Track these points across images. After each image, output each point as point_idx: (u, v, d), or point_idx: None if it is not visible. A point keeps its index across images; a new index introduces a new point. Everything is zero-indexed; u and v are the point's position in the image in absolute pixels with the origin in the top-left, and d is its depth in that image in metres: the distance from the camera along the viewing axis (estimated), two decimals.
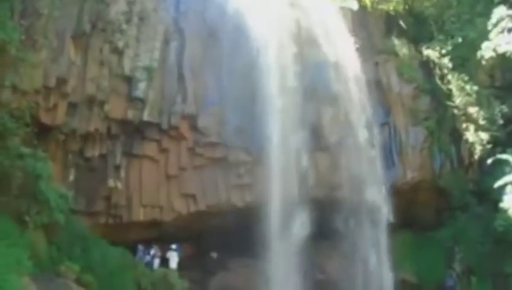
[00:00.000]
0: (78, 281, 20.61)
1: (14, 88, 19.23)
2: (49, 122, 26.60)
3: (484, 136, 33.03)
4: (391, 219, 32.02)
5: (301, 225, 29.19)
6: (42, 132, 24.30)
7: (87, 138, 28.83)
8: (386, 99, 34.83)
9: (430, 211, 36.05)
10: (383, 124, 34.40)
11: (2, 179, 16.06)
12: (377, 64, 35.19)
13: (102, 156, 29.54)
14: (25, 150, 17.58)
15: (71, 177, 28.52)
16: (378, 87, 34.50)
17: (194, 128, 31.13)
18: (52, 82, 26.21)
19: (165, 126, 30.44)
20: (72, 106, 27.77)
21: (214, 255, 34.79)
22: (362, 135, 32.53)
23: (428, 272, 34.45)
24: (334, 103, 32.57)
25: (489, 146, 33.19)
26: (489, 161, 32.26)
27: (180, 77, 30.96)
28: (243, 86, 31.42)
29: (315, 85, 32.50)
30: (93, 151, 29.14)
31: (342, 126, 32.46)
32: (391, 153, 34.15)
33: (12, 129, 16.46)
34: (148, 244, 32.64)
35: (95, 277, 23.57)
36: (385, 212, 31.81)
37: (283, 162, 30.24)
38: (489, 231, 33.33)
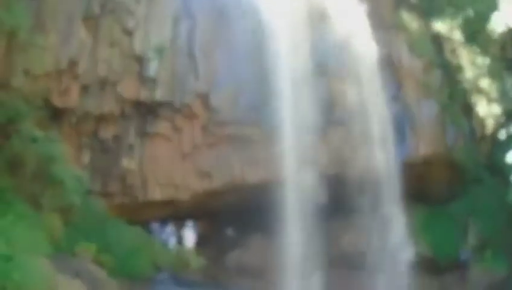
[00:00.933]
0: (95, 261, 20.79)
1: (26, 72, 19.27)
2: (61, 105, 26.65)
3: (496, 109, 32.86)
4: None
5: (315, 201, 29.14)
6: (55, 115, 24.43)
7: (101, 119, 28.92)
8: (396, 74, 34.54)
9: (443, 185, 35.97)
10: (394, 99, 34.26)
11: (16, 162, 16.17)
12: (387, 39, 34.97)
13: (116, 137, 29.65)
14: (38, 133, 17.64)
15: (85, 159, 28.66)
16: (388, 62, 34.26)
17: (206, 106, 31.15)
18: (63, 65, 26.22)
19: (177, 105, 30.46)
20: (84, 88, 27.78)
21: (230, 232, 34.97)
22: (374, 109, 32.47)
23: (443, 245, 34.44)
24: (345, 79, 32.53)
25: (501, 119, 33.04)
26: (502, 134, 32.13)
27: (192, 56, 30.94)
28: (255, 64, 31.42)
29: (326, 61, 32.48)
30: (107, 133, 29.26)
31: (354, 101, 32.41)
32: (403, 127, 33.98)
33: (24, 113, 16.54)
34: (163, 223, 32.87)
35: (111, 257, 23.73)
36: (399, 186, 31.76)
37: (295, 139, 30.22)
38: (503, 205, 33.29)
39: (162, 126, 30.58)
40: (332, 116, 32.28)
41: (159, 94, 29.90)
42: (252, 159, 31.89)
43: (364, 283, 29.24)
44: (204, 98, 31.02)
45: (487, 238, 34.28)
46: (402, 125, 33.94)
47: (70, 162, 21.24)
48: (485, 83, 33.24)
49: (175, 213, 32.39)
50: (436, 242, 34.53)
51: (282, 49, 30.98)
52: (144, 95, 29.69)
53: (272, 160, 31.03)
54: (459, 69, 34.23)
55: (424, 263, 32.95)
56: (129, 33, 29.48)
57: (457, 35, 34.07)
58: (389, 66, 34.26)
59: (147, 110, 30.09)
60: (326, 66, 32.32)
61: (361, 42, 32.88)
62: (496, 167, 34.62)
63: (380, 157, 31.82)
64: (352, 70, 32.52)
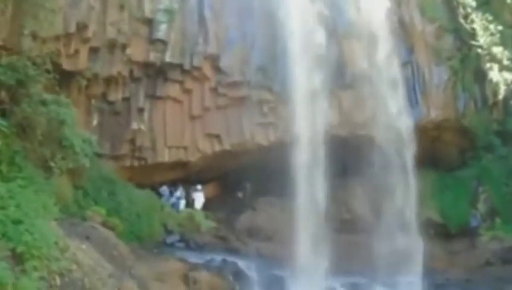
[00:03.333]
0: (105, 224, 20.81)
1: (34, 35, 19.13)
2: (71, 68, 26.56)
3: (508, 76, 32.58)
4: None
5: (326, 164, 29.08)
6: (64, 78, 24.24)
7: (110, 82, 28.87)
8: (408, 38, 34.36)
9: (454, 151, 35.98)
10: (406, 63, 34.05)
11: (25, 126, 16.15)
12: (399, 2, 34.64)
13: (126, 100, 29.65)
14: (48, 96, 17.57)
15: (95, 122, 28.71)
16: (401, 26, 34.05)
17: (216, 68, 31.13)
18: (72, 28, 26.02)
19: (187, 67, 30.40)
20: (94, 51, 27.65)
21: (240, 194, 35.03)
22: (385, 72, 32.30)
23: (453, 211, 34.50)
24: (356, 41, 32.35)
25: None
26: None
27: (201, 18, 30.80)
28: (265, 25, 31.30)
29: (336, 22, 32.29)
30: (116, 95, 29.23)
31: (365, 64, 32.24)
32: (414, 91, 33.91)
33: (34, 77, 16.43)
34: (173, 185, 32.94)
35: (121, 220, 23.86)
36: (410, 151, 31.66)
37: (306, 100, 30.11)
38: None
39: (171, 89, 30.55)
40: (343, 79, 32.18)
41: (169, 56, 29.80)
42: (262, 121, 31.93)
43: (373, 247, 29.23)
44: (214, 60, 30.95)
45: (497, 206, 34.27)
46: (413, 89, 33.82)
47: (80, 125, 21.21)
48: (497, 49, 32.92)
49: (185, 176, 32.48)
50: (446, 208, 34.60)
51: (293, 11, 30.73)
52: (153, 57, 29.59)
53: (282, 122, 31.04)
54: (472, 34, 33.90)
55: (433, 228, 33.06)
56: None
57: (470, 1, 33.70)
58: (401, 30, 34.03)
59: (156, 73, 30.02)
60: (337, 27, 32.10)
61: (373, 4, 32.61)
62: (508, 134, 34.48)
63: (391, 121, 31.66)
64: (364, 33, 32.30)
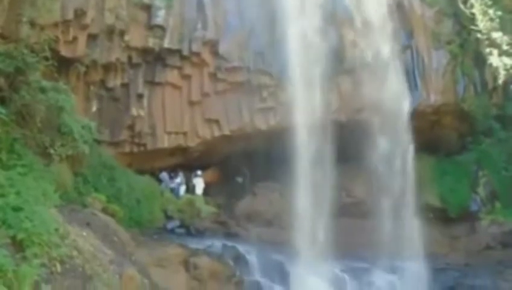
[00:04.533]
0: (105, 211, 20.84)
1: (32, 23, 19.07)
2: (69, 54, 26.49)
3: (508, 61, 32.51)
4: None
5: (325, 148, 29.11)
6: (63, 65, 24.26)
7: (109, 68, 28.80)
8: (408, 23, 34.25)
9: (453, 135, 36.04)
10: (405, 47, 34.02)
11: (25, 113, 16.12)
12: None
13: (124, 86, 29.60)
14: (47, 83, 17.54)
15: (94, 108, 28.68)
16: (400, 10, 33.96)
17: (215, 53, 31.07)
18: (70, 14, 25.92)
19: (186, 53, 30.35)
20: (92, 37, 27.56)
21: (240, 180, 35.08)
22: (384, 57, 32.28)
23: (452, 196, 34.62)
24: (355, 26, 32.32)
25: None
26: None
27: (200, 3, 30.72)
28: (263, 10, 31.26)
29: (335, 8, 32.23)
30: (115, 81, 29.16)
31: (364, 49, 32.22)
32: (414, 76, 33.88)
33: (32, 64, 16.39)
34: (173, 171, 33.00)
35: (121, 206, 23.95)
36: (409, 135, 31.70)
37: (306, 85, 30.10)
38: None
39: (170, 75, 30.54)
40: (342, 64, 32.16)
41: (167, 42, 29.76)
42: (261, 106, 31.93)
43: (373, 231, 29.32)
44: (213, 45, 30.91)
45: (497, 190, 34.36)
46: (412, 74, 33.80)
47: (79, 112, 21.22)
48: (497, 34, 32.86)
49: (184, 162, 32.54)
50: (445, 193, 34.72)
51: None
52: (151, 43, 29.55)
53: (282, 107, 31.05)
54: (471, 19, 33.80)
55: (433, 213, 33.17)
56: None
57: None
58: (401, 15, 33.94)
59: (155, 59, 29.99)
60: (336, 13, 32.05)
61: None
62: (508, 119, 34.54)
63: (390, 106, 31.66)
64: (363, 18, 32.27)
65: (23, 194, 13.16)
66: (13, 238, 11.77)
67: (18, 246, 11.73)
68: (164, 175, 32.77)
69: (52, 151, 17.26)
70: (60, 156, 17.77)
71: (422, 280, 28.23)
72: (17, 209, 12.46)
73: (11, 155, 15.31)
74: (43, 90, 17.27)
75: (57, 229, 13.16)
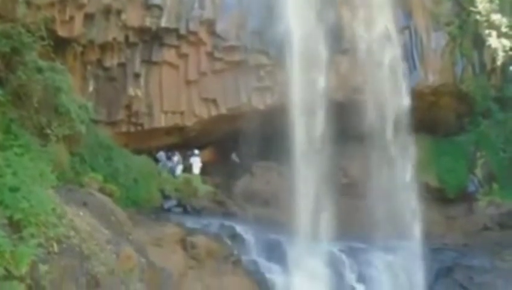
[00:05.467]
0: (102, 191, 20.81)
1: (29, 2, 19.00)
2: (66, 34, 26.47)
3: (507, 42, 32.56)
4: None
5: (322, 127, 29.09)
6: (59, 45, 24.17)
7: (105, 47, 28.76)
8: (407, 3, 34.08)
9: (451, 116, 36.06)
10: (404, 28, 33.90)
11: (21, 94, 16.08)
12: None
13: (121, 65, 29.58)
14: (43, 63, 17.48)
15: (91, 88, 28.72)
16: None
17: (212, 32, 31.02)
18: None
19: (183, 32, 30.31)
20: (89, 17, 27.50)
21: (237, 159, 35.09)
22: (383, 37, 32.20)
23: (450, 176, 34.72)
24: (353, 5, 32.20)
25: None
26: None
27: None
28: None
29: None
30: (112, 61, 29.14)
31: (362, 28, 32.12)
32: (412, 56, 33.82)
33: (28, 44, 16.33)
34: (170, 151, 33.02)
35: (118, 186, 23.87)
36: (408, 115, 31.67)
37: (303, 64, 30.01)
38: (511, 138, 33.34)
39: (167, 54, 30.50)
40: (341, 43, 32.06)
41: (164, 21, 29.70)
42: (258, 85, 31.92)
43: (371, 212, 29.34)
44: (210, 25, 30.85)
45: (494, 171, 34.45)
46: (411, 54, 33.74)
47: (76, 92, 21.17)
48: (496, 16, 32.84)
49: (181, 141, 32.55)
50: (443, 173, 34.82)
51: None
52: (148, 22, 29.46)
53: (279, 86, 31.00)
54: (470, 1, 33.78)
55: (431, 193, 33.17)
56: None
57: None
58: None
59: (152, 38, 29.94)
60: None
61: None
62: (506, 100, 34.57)
63: (389, 86, 31.62)
64: None
65: (20, 175, 13.11)
66: (10, 218, 11.75)
67: (15, 226, 11.71)
68: (161, 155, 32.80)
69: (49, 131, 17.24)
70: (57, 136, 17.74)
71: (419, 259, 28.29)
72: (14, 189, 12.42)
73: (8, 136, 15.26)
74: (39, 70, 17.22)
75: (54, 209, 13.14)
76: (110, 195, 20.78)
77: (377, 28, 32.15)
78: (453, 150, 35.43)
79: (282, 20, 30.12)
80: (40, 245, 11.83)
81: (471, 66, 35.48)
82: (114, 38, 28.72)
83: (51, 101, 17.42)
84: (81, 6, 26.88)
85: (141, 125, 30.46)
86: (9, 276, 10.46)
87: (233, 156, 35.08)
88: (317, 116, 29.27)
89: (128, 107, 29.91)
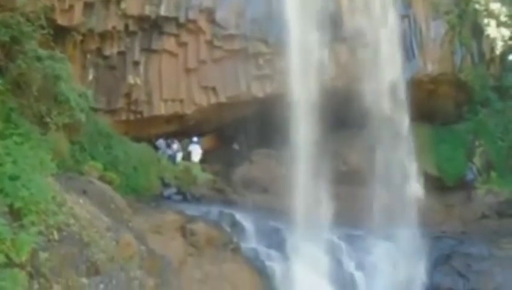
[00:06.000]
0: (102, 178, 20.87)
1: None
2: (65, 23, 26.45)
3: (506, 32, 32.65)
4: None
5: (322, 115, 29.12)
6: (59, 34, 24.17)
7: (105, 36, 28.77)
8: None
9: (450, 105, 36.14)
10: (403, 16, 33.89)
11: (21, 82, 16.12)
12: None
13: (121, 54, 29.59)
14: (43, 52, 17.50)
15: (90, 77, 28.75)
16: None
17: (212, 21, 30.98)
18: None
19: (182, 20, 30.29)
20: (88, 6, 27.48)
21: (236, 147, 35.20)
22: (382, 25, 32.21)
23: (449, 165, 34.83)
24: None
25: (511, 42, 32.81)
26: (511, 57, 31.98)
27: None
28: None
29: None
30: (112, 49, 29.16)
31: (362, 17, 32.12)
32: (411, 45, 33.85)
33: (28, 33, 16.34)
34: (170, 139, 33.10)
35: (118, 174, 23.88)
36: (406, 103, 31.73)
37: (302, 53, 30.03)
38: (509, 127, 33.50)
39: (167, 42, 30.50)
40: (340, 32, 32.06)
41: (164, 10, 29.65)
42: (258, 74, 31.93)
43: (369, 199, 29.43)
44: (209, 13, 30.82)
45: (493, 160, 34.56)
46: (410, 43, 33.77)
47: (75, 81, 21.20)
48: (495, 5, 32.89)
49: (181, 129, 32.63)
50: (442, 162, 34.95)
51: None
52: (148, 10, 29.40)
53: (278, 74, 31.02)
54: None
55: (429, 182, 33.20)
56: None
57: None
58: None
59: (151, 27, 29.92)
60: None
61: None
62: (505, 89, 34.62)
63: (388, 74, 31.67)
64: None
65: (20, 163, 13.19)
66: (10, 206, 11.84)
67: (15, 214, 11.80)
68: (161, 142, 32.89)
69: (48, 120, 17.26)
70: (57, 125, 17.76)
71: (418, 247, 28.41)
72: (14, 178, 12.50)
73: (8, 124, 15.31)
74: (39, 59, 17.23)
75: (54, 197, 13.24)
76: (109, 183, 20.84)
77: (377, 17, 32.13)
78: (451, 139, 35.53)
79: (281, 9, 30.14)
80: (40, 233, 11.93)
81: (470, 55, 35.52)
82: (113, 27, 28.72)
83: (51, 89, 17.44)
84: None
85: (141, 113, 30.50)
86: (9, 263, 10.55)
87: (233, 144, 35.19)
88: (317, 104, 29.22)
89: (127, 95, 29.95)
